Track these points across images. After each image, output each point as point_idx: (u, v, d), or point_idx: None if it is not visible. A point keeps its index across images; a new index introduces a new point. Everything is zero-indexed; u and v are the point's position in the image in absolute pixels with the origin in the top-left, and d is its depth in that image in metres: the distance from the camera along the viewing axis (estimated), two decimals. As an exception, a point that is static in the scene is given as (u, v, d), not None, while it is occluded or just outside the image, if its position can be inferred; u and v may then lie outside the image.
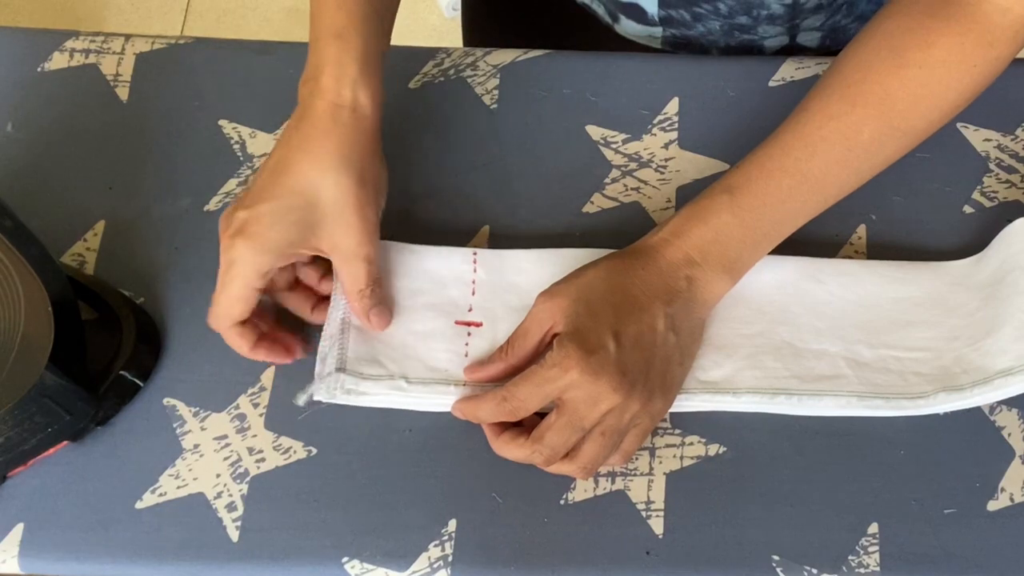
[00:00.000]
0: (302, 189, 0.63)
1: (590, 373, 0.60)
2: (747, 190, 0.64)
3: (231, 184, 0.73)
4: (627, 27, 0.83)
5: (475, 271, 0.69)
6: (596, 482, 0.65)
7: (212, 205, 0.73)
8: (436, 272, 0.69)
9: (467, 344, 0.67)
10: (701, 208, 0.65)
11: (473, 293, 0.69)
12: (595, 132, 0.75)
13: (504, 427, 0.64)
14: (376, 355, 0.66)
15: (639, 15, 0.81)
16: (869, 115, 0.64)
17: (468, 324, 0.68)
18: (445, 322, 0.68)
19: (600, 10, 0.85)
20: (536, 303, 0.64)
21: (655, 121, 0.75)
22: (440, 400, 0.66)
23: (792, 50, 0.83)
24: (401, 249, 0.70)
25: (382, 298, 0.66)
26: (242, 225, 0.63)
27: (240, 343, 0.65)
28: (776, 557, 0.63)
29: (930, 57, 0.63)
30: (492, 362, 0.65)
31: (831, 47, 0.83)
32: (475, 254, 0.70)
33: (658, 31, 0.82)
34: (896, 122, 0.64)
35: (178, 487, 0.65)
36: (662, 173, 0.73)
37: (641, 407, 0.62)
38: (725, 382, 0.66)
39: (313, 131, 0.64)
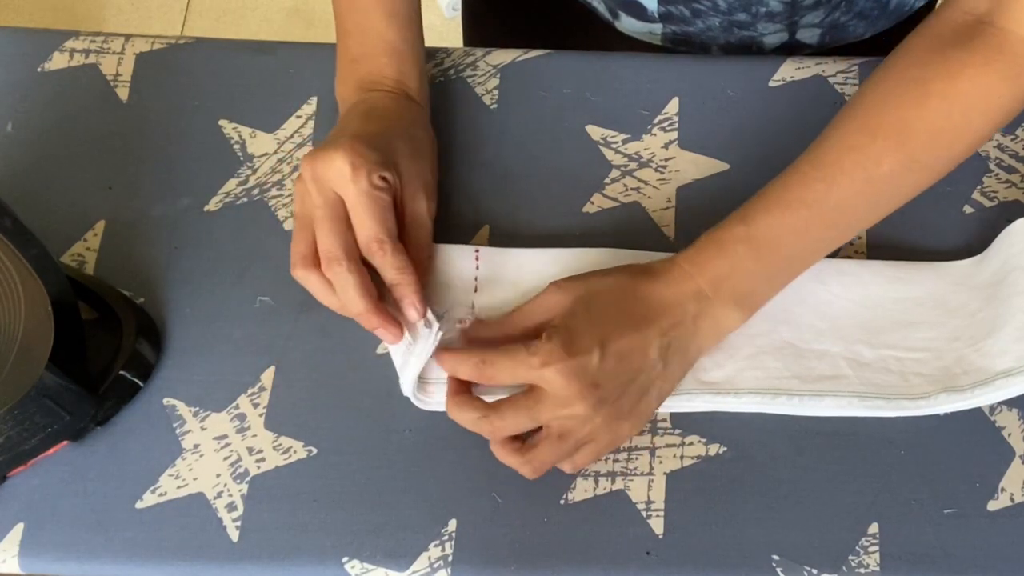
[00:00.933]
0: (397, 125, 0.67)
1: (565, 375, 0.60)
2: (764, 221, 0.63)
3: (231, 184, 0.74)
4: (627, 24, 0.83)
5: (477, 268, 0.69)
6: (596, 482, 0.65)
7: (212, 205, 0.73)
8: (439, 270, 0.69)
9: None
10: (717, 238, 0.64)
11: (476, 290, 0.69)
12: (595, 132, 0.75)
13: (465, 388, 0.64)
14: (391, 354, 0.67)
15: (639, 12, 0.81)
16: (889, 147, 0.62)
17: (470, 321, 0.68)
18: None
19: (600, 7, 0.85)
20: (547, 290, 0.64)
21: (655, 121, 0.75)
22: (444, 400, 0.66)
23: (792, 47, 0.83)
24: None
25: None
26: (344, 146, 0.62)
27: (363, 286, 0.62)
28: (776, 557, 0.63)
29: (953, 88, 0.62)
30: (490, 326, 0.66)
31: (830, 44, 0.83)
32: (477, 251, 0.70)
33: (658, 28, 0.82)
34: (917, 154, 0.63)
35: (178, 487, 0.65)
36: (662, 173, 0.73)
37: (603, 424, 0.62)
38: (726, 382, 0.66)
39: (394, 102, 0.68)
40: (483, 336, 0.66)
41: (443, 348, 0.65)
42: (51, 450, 0.65)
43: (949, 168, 0.65)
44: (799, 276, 0.68)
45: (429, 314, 0.65)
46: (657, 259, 0.66)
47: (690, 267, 0.64)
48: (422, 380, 0.66)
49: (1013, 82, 0.62)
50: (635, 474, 0.65)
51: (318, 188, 0.62)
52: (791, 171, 0.64)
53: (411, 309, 0.64)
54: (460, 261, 0.69)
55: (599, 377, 0.61)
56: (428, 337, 0.64)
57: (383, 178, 0.62)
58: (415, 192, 0.66)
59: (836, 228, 0.65)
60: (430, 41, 0.74)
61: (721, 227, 0.64)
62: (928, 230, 0.71)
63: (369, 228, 0.62)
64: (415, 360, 0.64)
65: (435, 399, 0.66)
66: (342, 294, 0.63)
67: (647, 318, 0.63)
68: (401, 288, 0.63)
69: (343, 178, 0.61)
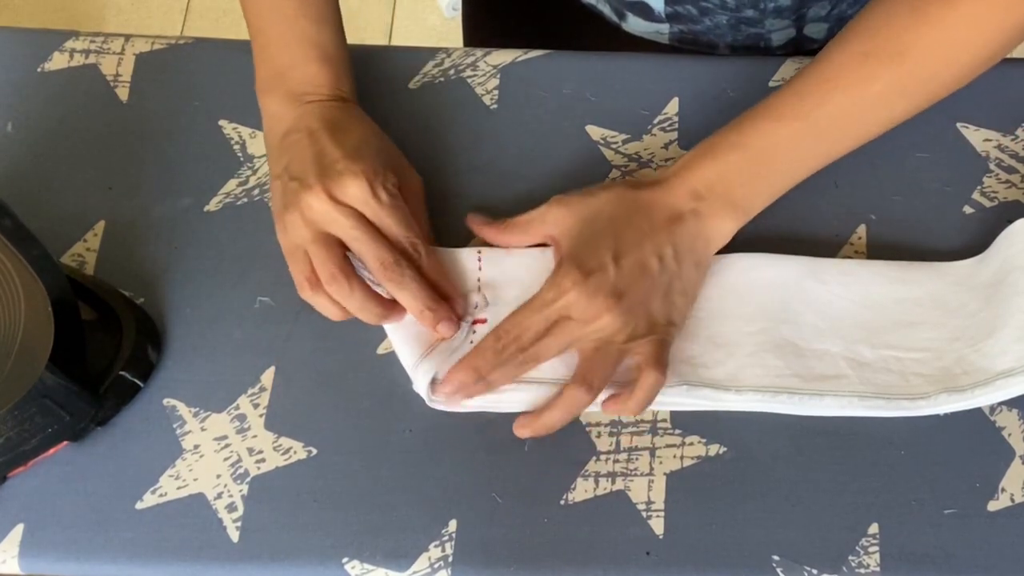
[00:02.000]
0: (371, 131, 0.67)
1: (586, 294, 0.62)
2: (755, 131, 0.66)
3: (231, 184, 0.73)
4: (634, 25, 0.83)
5: (480, 269, 0.69)
6: (596, 482, 0.65)
7: (212, 205, 0.73)
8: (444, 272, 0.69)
9: (472, 342, 0.67)
10: (710, 145, 0.67)
11: (479, 291, 0.69)
12: (595, 132, 0.75)
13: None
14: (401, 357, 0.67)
15: (646, 12, 0.81)
16: (882, 68, 0.64)
17: (473, 321, 0.68)
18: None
19: (606, 9, 0.85)
20: (550, 203, 0.67)
21: (655, 121, 0.75)
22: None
23: (799, 43, 0.83)
24: None
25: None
26: (350, 170, 0.64)
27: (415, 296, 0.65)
28: (776, 557, 0.63)
29: (949, 15, 0.62)
30: (488, 226, 0.68)
31: None
32: (480, 252, 0.70)
33: (665, 28, 0.82)
34: (909, 76, 0.64)
35: (178, 487, 0.65)
36: (662, 173, 0.73)
37: (643, 330, 0.63)
38: (728, 380, 0.66)
39: (340, 122, 0.67)
40: (494, 242, 0.68)
41: (465, 360, 0.66)
42: (51, 451, 0.65)
43: (941, 94, 0.66)
44: (799, 272, 0.68)
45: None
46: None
47: (685, 172, 0.66)
48: (435, 380, 0.66)
49: (1008, 13, 0.62)
50: (635, 474, 0.65)
51: (340, 211, 0.64)
52: (786, 86, 0.66)
53: (459, 301, 0.67)
54: (463, 263, 0.69)
55: (619, 287, 0.63)
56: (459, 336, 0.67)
57: (395, 184, 0.65)
58: (407, 177, 0.68)
59: (827, 142, 0.67)
60: (430, 41, 0.74)
61: (714, 135, 0.67)
62: (928, 230, 0.71)
63: (402, 234, 0.65)
64: (439, 356, 0.65)
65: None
66: (404, 291, 0.64)
67: (652, 225, 0.65)
68: (445, 285, 0.66)
69: (364, 196, 0.63)
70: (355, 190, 0.63)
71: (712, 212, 0.66)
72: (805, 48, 0.84)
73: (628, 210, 0.66)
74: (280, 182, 0.66)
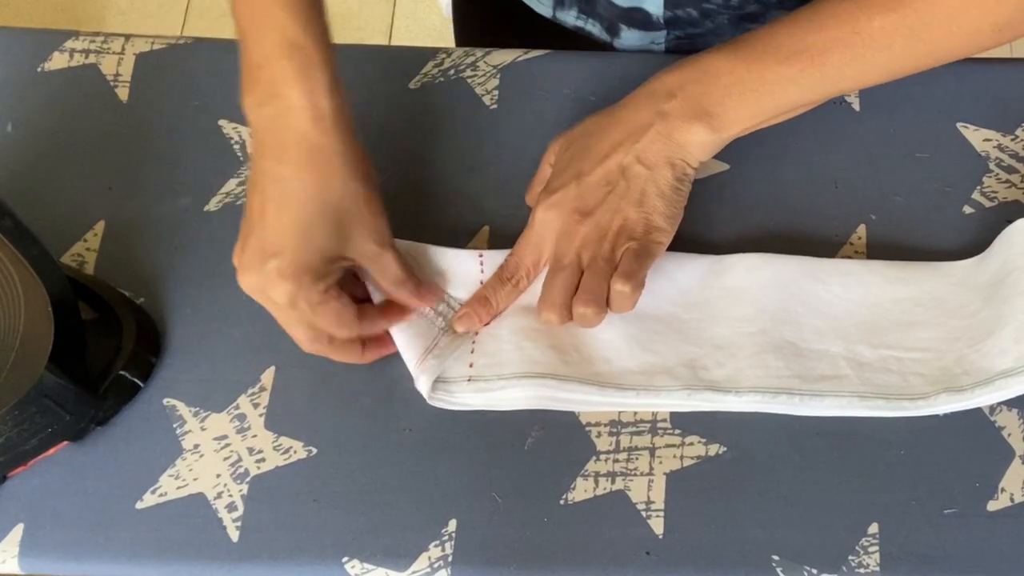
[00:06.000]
0: (315, 211, 0.61)
1: (548, 208, 0.66)
2: (748, 42, 0.66)
3: (231, 184, 0.74)
4: (628, 39, 0.82)
5: (482, 271, 0.69)
6: (596, 482, 0.65)
7: (212, 205, 0.73)
8: (445, 274, 0.69)
9: (474, 343, 0.68)
10: (697, 54, 0.67)
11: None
12: (595, 132, 0.75)
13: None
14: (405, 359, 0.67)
15: (644, 21, 0.80)
16: (886, 6, 0.63)
17: None
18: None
19: (595, 29, 0.84)
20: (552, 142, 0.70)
21: (655, 121, 0.75)
22: (455, 400, 0.66)
23: None
24: (412, 247, 0.70)
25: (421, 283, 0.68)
26: (278, 271, 0.61)
27: (356, 352, 0.67)
28: (776, 557, 0.63)
29: None
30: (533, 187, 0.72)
31: None
32: (481, 256, 0.70)
33: (662, 36, 0.81)
34: (911, 20, 0.63)
35: (178, 487, 0.65)
36: (662, 173, 0.73)
37: (616, 231, 0.65)
38: (727, 381, 0.66)
39: (302, 152, 0.61)
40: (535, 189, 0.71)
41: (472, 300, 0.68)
42: (51, 450, 0.65)
43: (941, 51, 0.65)
44: (799, 272, 0.68)
45: (439, 309, 0.67)
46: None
47: (665, 72, 0.67)
48: (441, 380, 0.66)
49: None
50: (635, 474, 0.65)
51: (268, 304, 0.63)
52: (791, 13, 0.66)
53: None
54: (464, 265, 0.70)
55: (581, 198, 0.65)
56: (448, 338, 0.67)
57: (327, 288, 0.62)
58: (365, 248, 0.64)
59: (817, 71, 0.65)
60: (430, 41, 0.74)
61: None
62: (928, 230, 0.71)
63: (333, 331, 0.64)
64: (442, 355, 0.66)
65: (457, 398, 0.66)
66: (346, 359, 0.67)
67: (621, 133, 0.66)
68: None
69: (289, 305, 0.62)
70: (273, 298, 0.62)
71: (681, 113, 0.65)
72: None
73: (607, 122, 0.67)
74: (244, 223, 0.64)
